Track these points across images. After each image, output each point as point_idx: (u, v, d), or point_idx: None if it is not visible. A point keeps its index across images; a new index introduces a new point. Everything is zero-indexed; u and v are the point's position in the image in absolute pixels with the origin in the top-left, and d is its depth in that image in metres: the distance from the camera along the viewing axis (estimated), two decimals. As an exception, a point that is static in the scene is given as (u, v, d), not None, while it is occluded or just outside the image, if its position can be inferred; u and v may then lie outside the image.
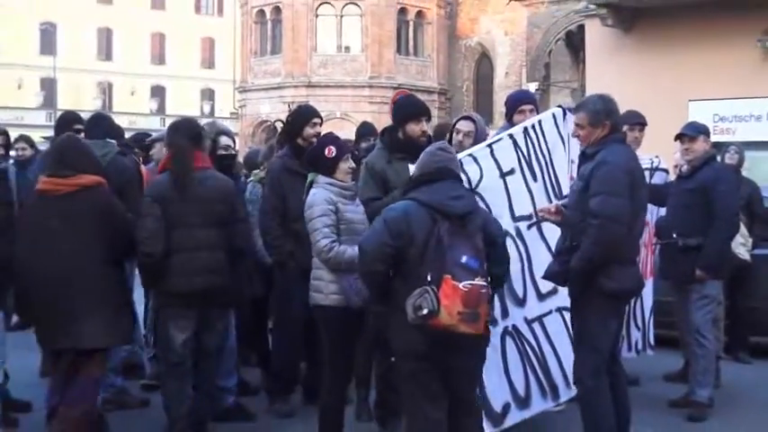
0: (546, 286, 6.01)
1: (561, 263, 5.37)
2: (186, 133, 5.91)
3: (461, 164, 5.46)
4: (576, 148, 6.49)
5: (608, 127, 5.32)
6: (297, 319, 6.43)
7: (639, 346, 7.45)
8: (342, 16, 37.02)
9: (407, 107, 6.44)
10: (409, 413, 4.86)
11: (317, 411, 5.72)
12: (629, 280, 5.27)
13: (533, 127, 6.24)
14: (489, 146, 6.03)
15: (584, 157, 5.49)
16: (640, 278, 5.67)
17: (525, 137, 6.16)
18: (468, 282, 4.44)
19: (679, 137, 7.12)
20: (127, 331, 5.88)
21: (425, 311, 4.44)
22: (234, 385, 6.70)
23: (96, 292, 5.51)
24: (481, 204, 5.55)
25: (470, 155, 5.78)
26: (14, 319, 7.35)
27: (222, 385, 6.47)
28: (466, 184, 5.40)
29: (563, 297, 6.07)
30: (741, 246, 7.72)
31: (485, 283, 4.50)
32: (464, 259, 4.50)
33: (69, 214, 5.48)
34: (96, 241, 5.49)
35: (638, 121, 7.44)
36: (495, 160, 5.92)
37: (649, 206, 6.59)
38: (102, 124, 7.41)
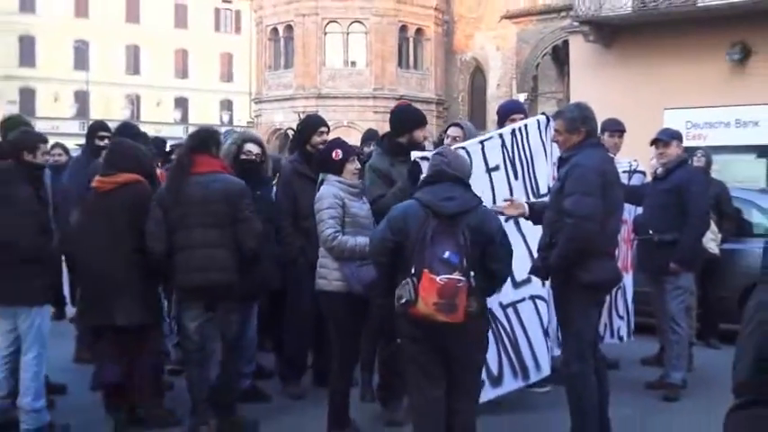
0: (521, 275, 6.01)
1: (542, 259, 5.38)
2: (193, 141, 5.94)
3: None
4: (557, 152, 6.51)
5: (583, 133, 5.30)
6: (307, 310, 6.44)
7: (622, 333, 7.45)
8: (348, 33, 36.97)
9: (413, 115, 6.47)
10: (411, 391, 4.89)
11: (326, 393, 5.75)
12: (605, 272, 5.24)
13: (520, 130, 6.26)
14: (481, 142, 6.07)
15: (561, 161, 5.49)
16: (617, 270, 5.61)
17: (512, 138, 6.19)
18: (446, 276, 4.43)
19: (654, 142, 7.13)
20: (155, 312, 5.97)
21: (404, 300, 4.50)
22: (252, 370, 6.70)
23: (127, 278, 5.66)
24: None
25: (464, 148, 5.82)
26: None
27: (242, 371, 6.49)
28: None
29: (536, 286, 6.09)
30: (711, 241, 7.71)
31: (462, 278, 4.45)
32: (446, 255, 4.50)
33: (106, 208, 5.70)
34: (128, 232, 5.65)
35: (617, 128, 7.42)
36: (484, 156, 5.95)
37: (627, 205, 6.61)
38: (128, 132, 7.46)
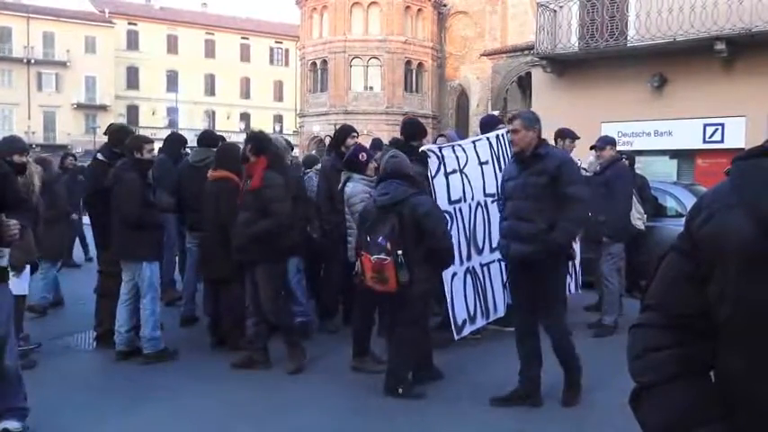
0: (495, 242, 5.95)
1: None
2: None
3: (454, 149, 5.69)
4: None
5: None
6: (338, 269, 6.41)
7: (572, 288, 7.37)
8: (368, 66, 36.89)
9: (422, 128, 6.46)
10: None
11: (351, 329, 5.74)
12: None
13: (502, 136, 6.21)
14: (473, 142, 6.03)
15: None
16: None
17: (497, 141, 6.14)
18: (377, 256, 4.39)
19: (593, 147, 7.08)
20: (237, 271, 5.85)
21: (355, 272, 4.72)
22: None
23: (220, 246, 5.66)
24: (464, 181, 5.57)
25: (461, 146, 5.80)
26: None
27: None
28: (455, 165, 5.52)
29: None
30: (638, 220, 7.60)
31: (388, 258, 4.37)
32: (380, 239, 4.43)
33: (211, 192, 5.86)
34: (217, 213, 5.78)
35: (574, 136, 7.37)
36: (476, 152, 5.92)
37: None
38: (207, 137, 7.42)
